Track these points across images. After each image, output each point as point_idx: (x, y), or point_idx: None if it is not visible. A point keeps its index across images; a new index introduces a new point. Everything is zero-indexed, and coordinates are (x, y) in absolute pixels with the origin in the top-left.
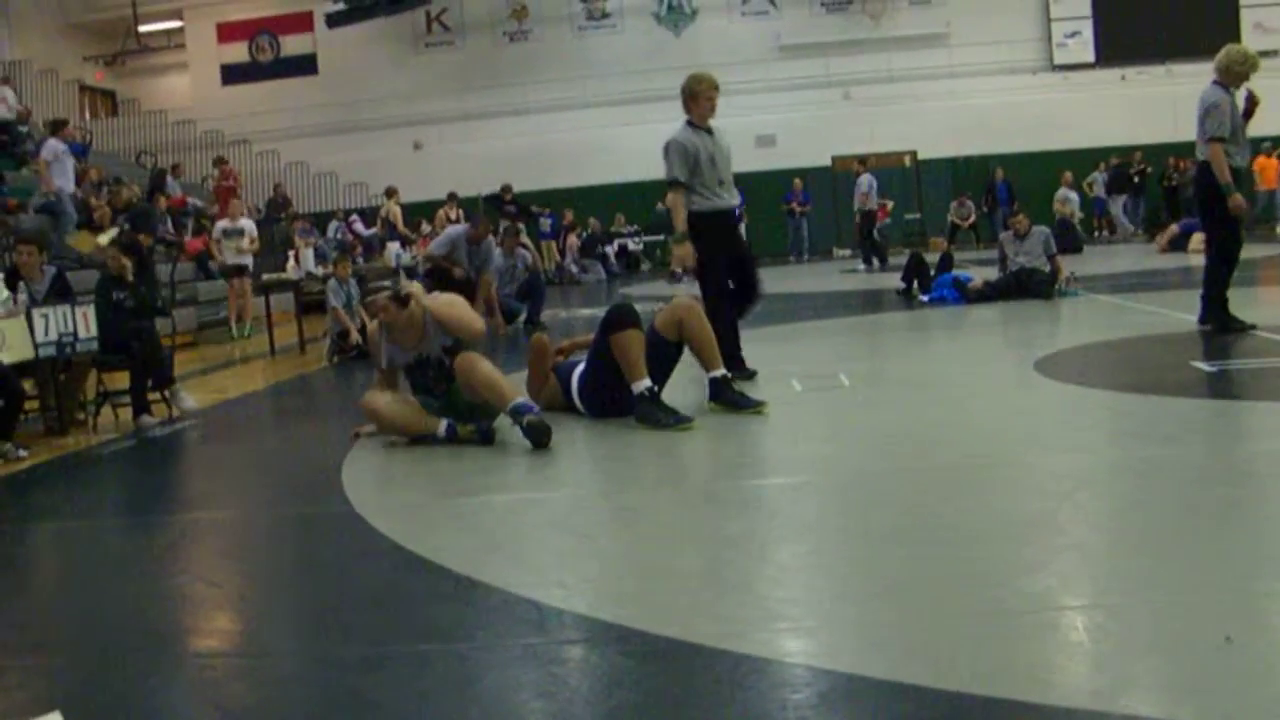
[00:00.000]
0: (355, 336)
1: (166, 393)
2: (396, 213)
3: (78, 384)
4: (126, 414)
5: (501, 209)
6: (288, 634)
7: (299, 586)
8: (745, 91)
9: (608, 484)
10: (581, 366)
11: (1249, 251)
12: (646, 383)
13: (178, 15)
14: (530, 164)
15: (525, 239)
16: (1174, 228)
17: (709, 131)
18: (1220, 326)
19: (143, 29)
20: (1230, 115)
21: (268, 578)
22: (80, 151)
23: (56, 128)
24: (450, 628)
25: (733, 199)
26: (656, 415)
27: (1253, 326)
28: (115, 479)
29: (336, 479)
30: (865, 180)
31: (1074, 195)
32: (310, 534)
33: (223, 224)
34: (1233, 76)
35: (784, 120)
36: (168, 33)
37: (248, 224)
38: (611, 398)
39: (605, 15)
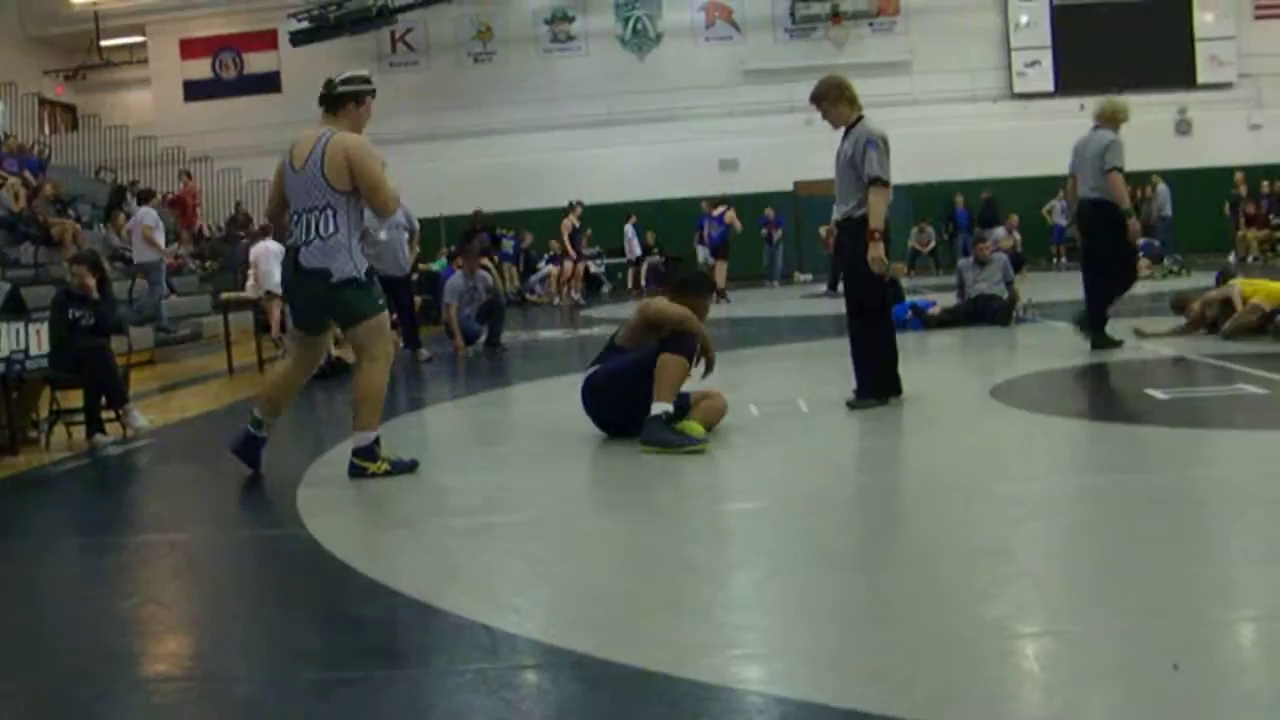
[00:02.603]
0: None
1: (120, 411)
2: None
3: (30, 402)
4: (80, 433)
5: (469, 241)
6: (240, 658)
7: (252, 610)
8: (709, 116)
9: (566, 508)
10: (612, 365)
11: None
12: (668, 407)
13: (140, 30)
14: (493, 185)
15: (486, 261)
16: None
17: (845, 135)
18: (1097, 342)
19: (105, 43)
20: (1123, 153)
21: (220, 601)
22: (37, 167)
23: (144, 198)
24: (403, 652)
25: (838, 210)
26: (668, 437)
27: (1119, 343)
28: (67, 499)
29: (292, 501)
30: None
31: (1014, 234)
32: (264, 557)
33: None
34: (1117, 122)
35: (747, 145)
36: (130, 48)
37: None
38: (623, 409)
39: (570, 38)
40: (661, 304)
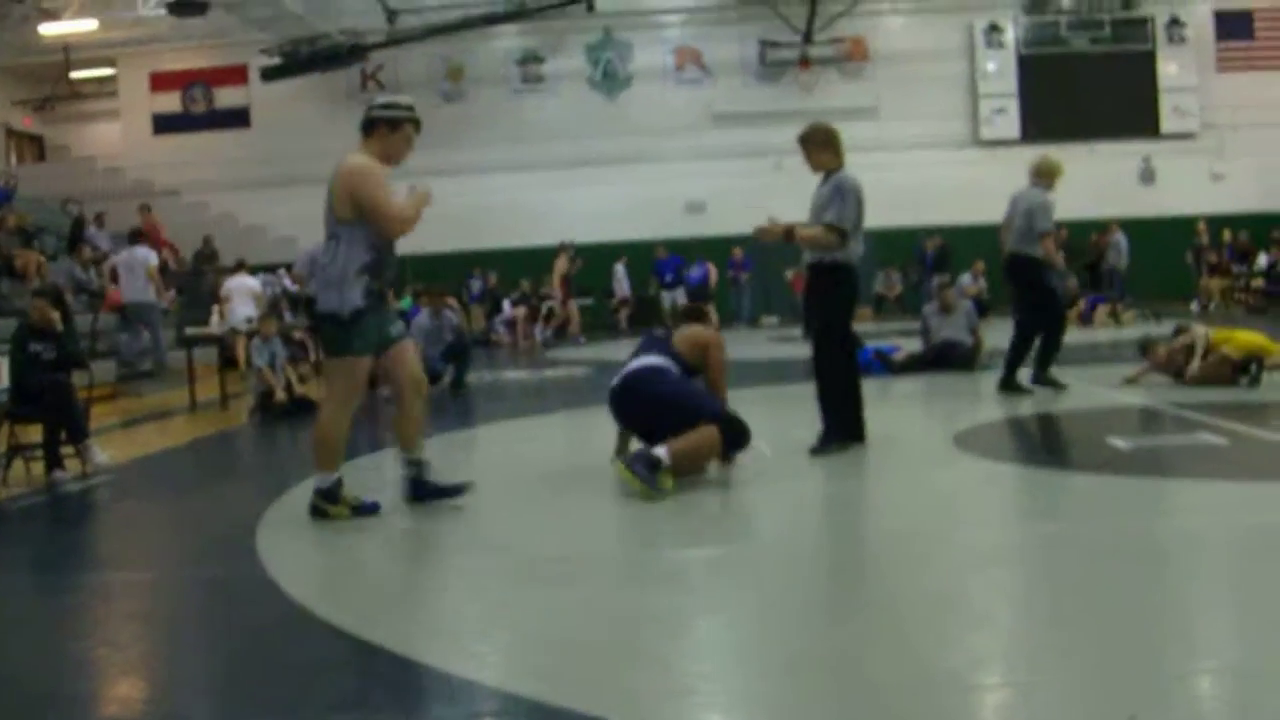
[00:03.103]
0: (280, 396)
1: (80, 447)
2: None
3: None
4: (39, 468)
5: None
6: (194, 702)
7: (207, 652)
8: (677, 159)
9: (526, 553)
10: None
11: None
12: (668, 461)
13: (111, 63)
14: (462, 225)
15: (451, 300)
16: (1081, 303)
17: (822, 182)
18: (1010, 386)
19: (75, 75)
20: (1053, 212)
21: (176, 643)
22: (3, 198)
23: (136, 237)
24: (359, 698)
25: (810, 254)
26: (644, 473)
27: (1030, 391)
28: (24, 536)
29: (251, 541)
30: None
31: (980, 280)
32: (221, 598)
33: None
34: (1050, 180)
35: (715, 187)
36: (100, 80)
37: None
38: (649, 424)
39: (540, 79)
40: (722, 352)
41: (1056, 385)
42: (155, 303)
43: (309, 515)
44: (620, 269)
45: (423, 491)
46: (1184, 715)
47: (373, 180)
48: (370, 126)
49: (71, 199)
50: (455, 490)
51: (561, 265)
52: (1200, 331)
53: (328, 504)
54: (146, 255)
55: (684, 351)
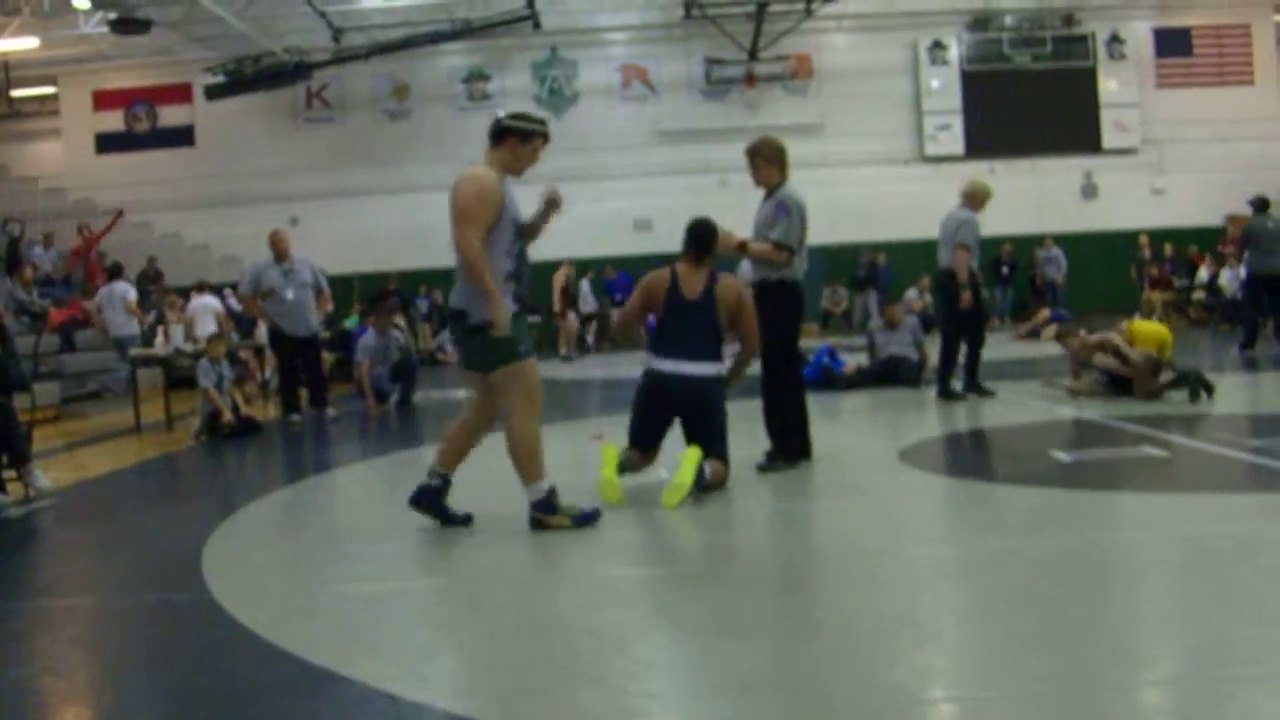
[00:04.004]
0: (228, 417)
1: (22, 471)
2: None
3: None
4: None
5: (384, 300)
6: None
7: (152, 679)
8: (624, 176)
9: (473, 573)
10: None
11: None
12: (707, 479)
13: (52, 81)
14: (408, 242)
15: (399, 319)
16: (1045, 311)
17: (766, 198)
18: (946, 394)
19: (15, 94)
20: (977, 231)
21: (119, 670)
22: None
23: (116, 272)
24: None
25: (755, 272)
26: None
27: (963, 397)
28: None
29: (197, 565)
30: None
31: (925, 295)
32: (166, 623)
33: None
34: (978, 202)
35: (662, 205)
36: (41, 99)
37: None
38: (696, 434)
39: (486, 96)
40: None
41: (984, 392)
42: (135, 335)
43: (530, 528)
44: (585, 285)
45: (431, 504)
46: None
47: (474, 193)
48: (500, 136)
49: (12, 218)
50: (461, 520)
51: (559, 279)
52: (1113, 334)
53: (546, 515)
54: (125, 290)
55: (722, 313)
